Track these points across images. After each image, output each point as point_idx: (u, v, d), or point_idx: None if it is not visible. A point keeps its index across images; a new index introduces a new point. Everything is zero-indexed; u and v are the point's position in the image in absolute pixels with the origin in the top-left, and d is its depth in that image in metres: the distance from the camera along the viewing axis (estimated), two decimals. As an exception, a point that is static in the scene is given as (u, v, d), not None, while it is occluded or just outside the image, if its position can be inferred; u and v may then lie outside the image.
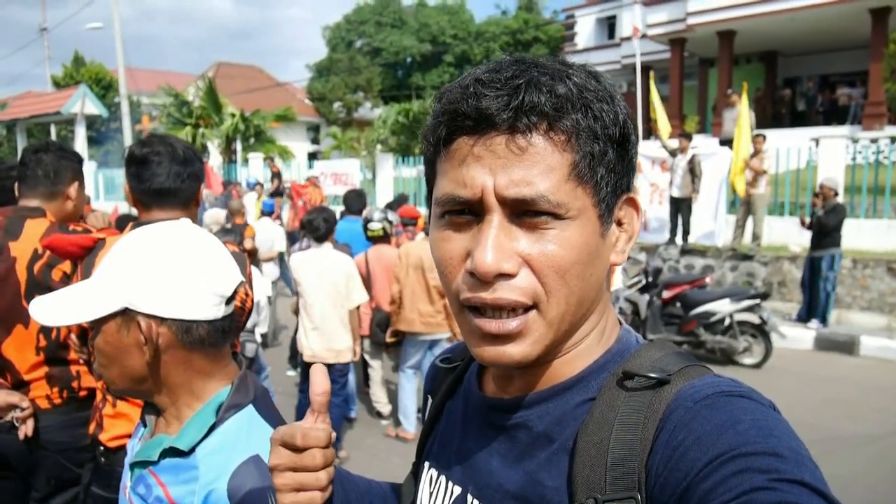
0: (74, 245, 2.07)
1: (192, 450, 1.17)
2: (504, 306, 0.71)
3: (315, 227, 5.00)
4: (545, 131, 0.70)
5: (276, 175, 16.93)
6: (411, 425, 5.49)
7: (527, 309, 0.72)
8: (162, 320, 1.16)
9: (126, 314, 1.16)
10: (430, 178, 0.80)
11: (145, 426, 1.31)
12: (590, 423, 0.72)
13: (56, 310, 1.18)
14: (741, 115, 10.37)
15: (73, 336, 2.17)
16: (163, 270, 1.15)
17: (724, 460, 0.61)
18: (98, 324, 1.18)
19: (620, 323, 0.85)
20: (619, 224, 0.78)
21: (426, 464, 0.95)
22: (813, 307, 8.85)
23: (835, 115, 20.21)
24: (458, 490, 0.85)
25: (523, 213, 0.71)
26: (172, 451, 1.17)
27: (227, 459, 1.15)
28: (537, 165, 0.69)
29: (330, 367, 5.03)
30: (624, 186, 0.77)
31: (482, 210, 0.72)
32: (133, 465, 1.25)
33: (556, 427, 0.76)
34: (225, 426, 1.19)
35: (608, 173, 0.73)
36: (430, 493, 0.90)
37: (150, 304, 1.15)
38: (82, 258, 2.09)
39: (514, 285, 0.71)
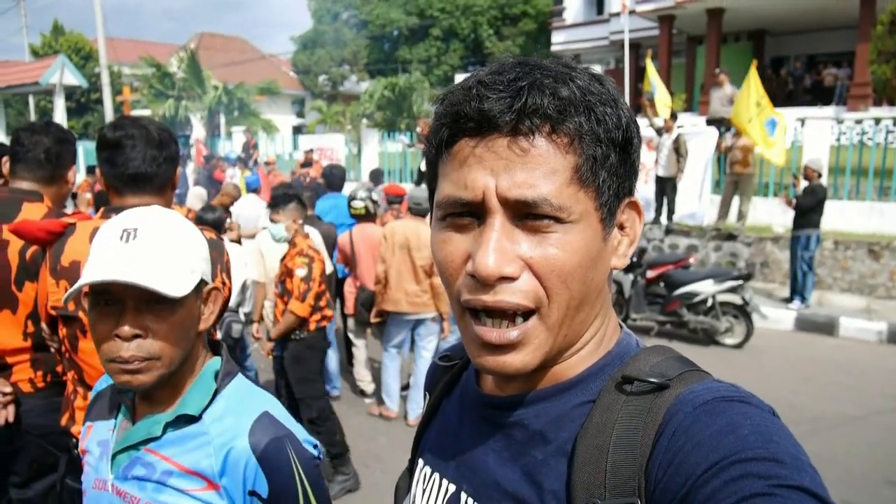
0: (42, 230, 1.97)
1: (200, 416, 1.24)
2: (506, 309, 0.71)
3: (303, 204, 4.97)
4: (548, 134, 0.69)
5: (253, 147, 16.74)
6: (394, 404, 5.52)
7: (527, 315, 0.71)
8: (212, 288, 1.32)
9: (199, 285, 1.26)
10: (432, 179, 0.79)
11: (115, 417, 1.32)
12: (589, 428, 0.72)
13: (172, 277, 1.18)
14: (725, 92, 10.36)
15: (43, 325, 2.11)
16: (198, 243, 1.27)
17: (724, 465, 0.61)
18: (183, 299, 1.21)
19: (621, 326, 0.85)
20: (621, 228, 0.78)
21: (420, 461, 0.95)
22: (793, 287, 8.97)
23: (820, 95, 20.25)
24: (452, 488, 0.85)
25: (525, 215, 0.70)
26: (176, 423, 1.23)
27: (238, 420, 1.24)
28: (540, 168, 0.69)
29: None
30: (626, 190, 0.76)
31: (484, 212, 0.71)
32: (116, 454, 1.25)
33: (553, 427, 0.76)
34: (227, 391, 1.30)
35: (610, 177, 0.73)
36: (424, 491, 0.90)
37: (206, 273, 1.28)
38: (51, 244, 1.99)
39: (516, 288, 0.70)
